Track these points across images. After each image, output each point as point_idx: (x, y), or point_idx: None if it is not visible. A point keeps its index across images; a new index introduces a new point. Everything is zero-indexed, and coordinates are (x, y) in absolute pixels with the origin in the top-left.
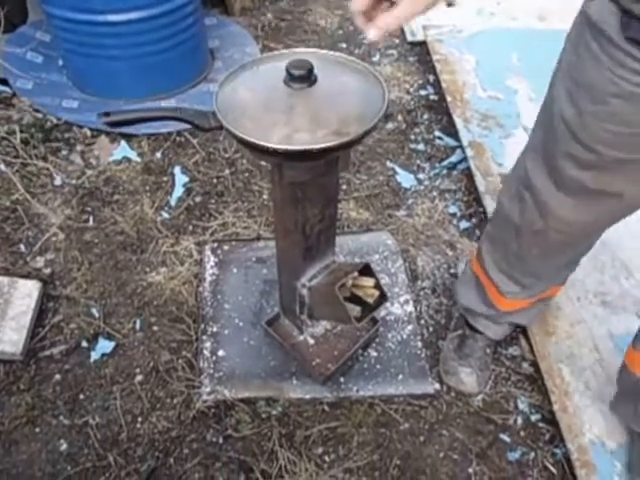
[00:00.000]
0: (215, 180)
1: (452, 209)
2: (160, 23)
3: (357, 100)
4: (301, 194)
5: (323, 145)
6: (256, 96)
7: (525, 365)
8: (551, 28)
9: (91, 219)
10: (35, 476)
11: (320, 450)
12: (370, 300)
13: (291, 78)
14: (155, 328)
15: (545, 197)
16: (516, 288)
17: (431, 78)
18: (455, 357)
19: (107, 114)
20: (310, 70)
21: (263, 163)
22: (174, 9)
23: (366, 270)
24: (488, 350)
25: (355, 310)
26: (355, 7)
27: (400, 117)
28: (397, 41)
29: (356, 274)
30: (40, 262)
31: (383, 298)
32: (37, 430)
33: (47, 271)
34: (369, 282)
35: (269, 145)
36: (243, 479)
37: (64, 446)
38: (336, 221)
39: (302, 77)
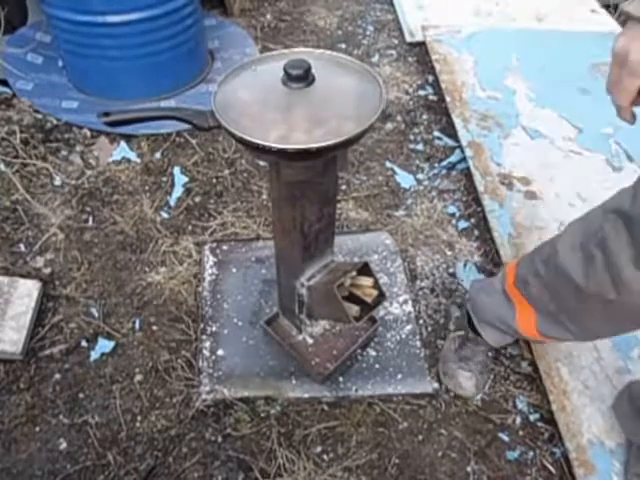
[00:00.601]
0: (214, 180)
1: (451, 209)
2: (159, 24)
3: (355, 99)
4: (299, 193)
5: (320, 144)
6: (254, 95)
7: (524, 364)
8: (549, 28)
9: (91, 219)
10: (35, 475)
11: (319, 449)
12: (368, 299)
13: (289, 78)
14: (154, 328)
15: (623, 267)
16: (559, 332)
17: (430, 78)
18: (455, 358)
19: (107, 114)
20: (308, 70)
21: (262, 163)
22: (173, 10)
23: (365, 269)
24: (489, 353)
25: (354, 309)
26: (622, 102)
27: (399, 117)
28: (396, 41)
29: (354, 273)
30: (40, 262)
31: (381, 297)
32: (37, 429)
33: (47, 271)
34: (367, 281)
35: (266, 144)
36: (242, 478)
37: (64, 445)
38: (335, 221)
39: (300, 77)
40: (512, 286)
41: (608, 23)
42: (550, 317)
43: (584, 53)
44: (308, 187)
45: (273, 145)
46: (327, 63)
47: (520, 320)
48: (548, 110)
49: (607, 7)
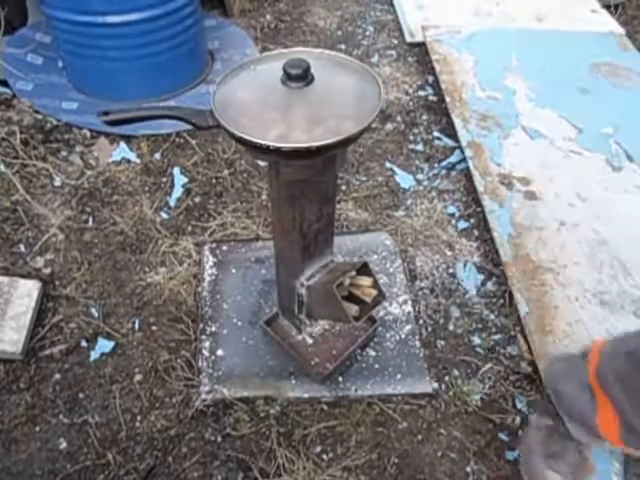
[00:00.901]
0: (214, 181)
1: (451, 209)
2: (159, 24)
3: (353, 99)
4: (298, 193)
5: (319, 143)
6: (253, 95)
7: (523, 364)
8: (549, 28)
9: (90, 219)
10: (35, 474)
11: (318, 449)
12: (368, 299)
13: (288, 77)
14: (154, 328)
15: None
16: None
17: (430, 79)
18: (541, 452)
19: (106, 113)
20: (307, 69)
21: (262, 163)
22: (173, 11)
23: (364, 269)
24: (587, 451)
25: (353, 309)
26: None
27: (399, 118)
28: (396, 42)
29: (354, 273)
30: (40, 262)
31: (381, 297)
32: (37, 429)
33: (47, 271)
34: (367, 281)
35: (265, 143)
36: (241, 477)
37: (64, 445)
38: (334, 220)
39: (299, 76)
40: (594, 375)
41: (608, 23)
42: (633, 432)
43: (584, 53)
44: (307, 186)
45: (272, 144)
46: (326, 63)
47: (601, 420)
48: (548, 110)
49: (607, 7)
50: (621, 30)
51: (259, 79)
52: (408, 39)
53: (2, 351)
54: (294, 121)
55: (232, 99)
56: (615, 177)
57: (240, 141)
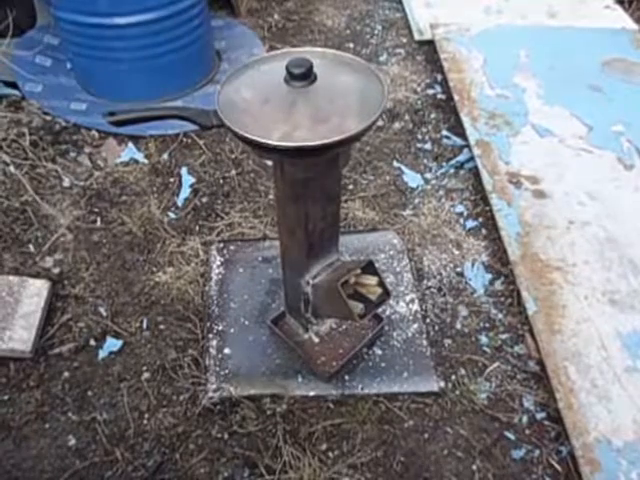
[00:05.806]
0: (221, 181)
1: (459, 208)
2: (166, 25)
3: (357, 97)
4: (303, 191)
5: (321, 141)
6: (257, 94)
7: (531, 363)
8: (560, 25)
9: (99, 220)
10: (44, 470)
11: (324, 446)
12: (373, 297)
13: (291, 76)
14: (162, 327)
15: None
16: None
17: (439, 77)
18: None
19: (112, 114)
20: (310, 68)
21: (269, 163)
22: (180, 11)
23: (369, 268)
24: None
25: (358, 307)
26: None
27: (407, 116)
28: (405, 40)
29: (359, 272)
30: (49, 262)
31: (386, 295)
32: (46, 426)
33: (56, 271)
34: (372, 280)
35: (268, 142)
36: (247, 474)
37: (72, 441)
38: (339, 219)
39: (302, 75)
40: None
41: (622, 19)
42: None
43: (596, 50)
44: (312, 185)
45: (276, 143)
46: (330, 62)
47: None
48: (558, 108)
49: (621, 2)
50: (634, 26)
51: (263, 79)
52: (417, 37)
53: (12, 349)
54: (298, 120)
55: (236, 99)
56: (626, 175)
57: (244, 140)
